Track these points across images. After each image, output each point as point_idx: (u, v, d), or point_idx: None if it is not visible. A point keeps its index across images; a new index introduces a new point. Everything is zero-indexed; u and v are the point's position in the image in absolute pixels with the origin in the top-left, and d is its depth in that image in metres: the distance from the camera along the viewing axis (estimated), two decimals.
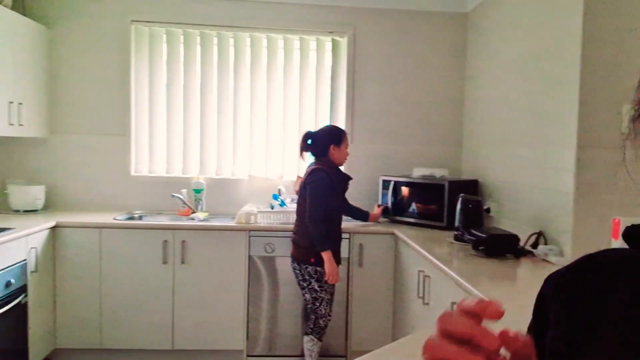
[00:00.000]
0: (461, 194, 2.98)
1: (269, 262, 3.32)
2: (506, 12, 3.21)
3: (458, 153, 3.96)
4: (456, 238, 2.90)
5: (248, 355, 3.35)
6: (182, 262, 3.26)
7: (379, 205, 3.65)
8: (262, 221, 3.36)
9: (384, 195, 3.66)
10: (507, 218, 3.07)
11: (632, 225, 0.54)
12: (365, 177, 3.90)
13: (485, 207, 3.20)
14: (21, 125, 3.29)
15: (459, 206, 2.92)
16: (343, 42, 3.88)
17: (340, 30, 3.85)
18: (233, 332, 3.32)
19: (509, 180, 3.09)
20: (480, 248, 2.55)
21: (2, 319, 2.61)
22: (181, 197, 3.66)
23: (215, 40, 3.81)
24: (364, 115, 3.91)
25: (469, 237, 2.66)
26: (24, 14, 3.46)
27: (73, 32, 3.71)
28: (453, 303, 2.17)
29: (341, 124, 3.84)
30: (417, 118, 3.94)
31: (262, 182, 3.76)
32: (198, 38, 3.80)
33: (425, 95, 3.94)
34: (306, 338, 3.03)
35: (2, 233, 2.70)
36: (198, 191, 3.72)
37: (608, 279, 0.52)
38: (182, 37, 3.79)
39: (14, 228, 2.86)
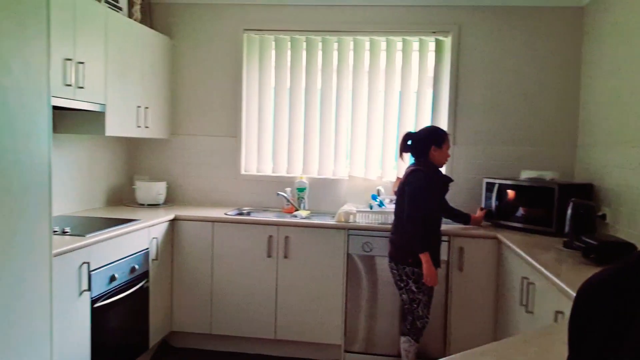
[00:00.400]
0: (572, 199, 2.80)
1: (367, 260, 3.36)
2: (628, 4, 2.96)
3: (571, 155, 3.72)
4: (565, 245, 2.73)
5: (346, 351, 3.42)
6: (285, 257, 3.42)
7: (481, 209, 3.54)
8: (361, 220, 3.41)
9: (488, 198, 3.54)
10: (625, 226, 2.83)
11: None
12: (467, 179, 3.80)
13: (599, 214, 2.99)
14: (147, 127, 3.66)
15: (569, 211, 2.75)
16: (447, 41, 3.82)
17: (444, 30, 3.80)
18: (332, 326, 3.41)
19: (627, 184, 2.84)
20: (591, 256, 2.38)
21: (127, 300, 2.93)
22: (285, 195, 3.84)
23: (320, 45, 3.94)
24: (467, 116, 3.81)
25: (579, 244, 2.50)
26: (151, 27, 3.84)
27: (192, 42, 4.04)
28: (558, 312, 2.06)
29: (443, 124, 3.78)
30: (526, 118, 3.76)
31: (361, 182, 3.82)
32: (304, 44, 3.95)
33: (535, 94, 3.75)
34: (403, 338, 3.03)
35: (130, 224, 3.03)
36: (301, 190, 3.87)
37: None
38: (289, 44, 3.97)
39: (139, 219, 3.19)
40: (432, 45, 3.86)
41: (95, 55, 2.99)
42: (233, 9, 3.98)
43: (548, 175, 3.36)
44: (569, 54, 3.69)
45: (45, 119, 2.12)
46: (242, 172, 4.06)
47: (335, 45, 3.93)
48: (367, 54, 3.91)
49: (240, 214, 3.78)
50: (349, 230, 3.36)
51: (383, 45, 3.89)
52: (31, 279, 2.07)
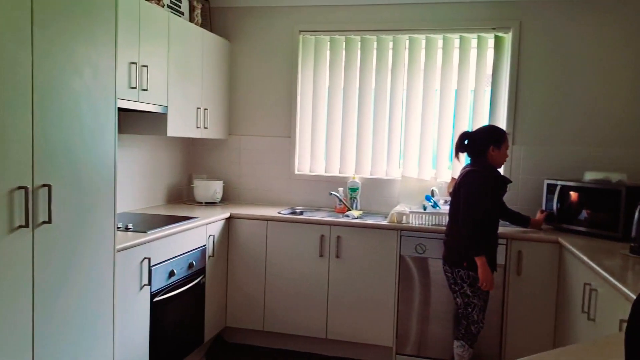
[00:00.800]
0: None
1: (420, 262, 3.32)
2: None
3: None
4: (632, 250, 2.59)
5: (397, 353, 3.39)
6: (337, 257, 3.43)
7: (542, 211, 3.41)
8: (414, 221, 3.37)
9: (549, 200, 3.41)
10: None
11: None
12: (527, 181, 3.67)
13: None
14: (205, 128, 3.78)
15: (636, 215, 2.60)
16: (507, 38, 3.70)
17: (504, 25, 3.68)
18: (383, 328, 3.39)
19: None
20: None
21: (185, 295, 3.04)
22: (338, 195, 3.85)
23: (374, 44, 3.92)
24: (528, 114, 3.68)
25: None
26: (211, 30, 3.96)
27: (249, 44, 4.13)
28: (622, 321, 1.96)
29: (502, 123, 3.67)
30: (591, 117, 3.59)
31: (415, 182, 3.78)
32: (359, 43, 3.95)
33: (601, 92, 3.57)
34: (457, 343, 2.97)
35: (188, 221, 3.13)
36: (353, 190, 3.87)
37: None
38: (344, 44, 3.98)
39: (197, 217, 3.30)
40: (491, 42, 3.75)
41: (158, 59, 3.12)
42: (289, 11, 4.03)
43: (615, 176, 3.19)
44: None
45: (111, 120, 2.23)
46: (296, 171, 4.10)
47: (390, 44, 3.90)
48: (422, 52, 3.86)
49: (293, 213, 3.83)
50: (401, 231, 3.33)
51: (440, 43, 3.83)
52: (96, 273, 2.19)
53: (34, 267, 1.85)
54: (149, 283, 2.67)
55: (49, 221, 1.90)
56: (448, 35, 3.78)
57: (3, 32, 1.69)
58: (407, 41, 3.87)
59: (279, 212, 3.69)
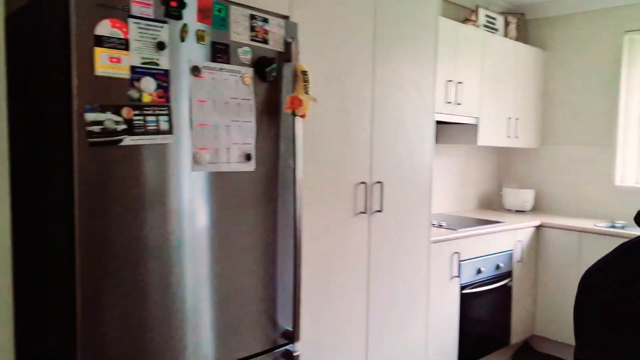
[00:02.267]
0: None
1: None
2: None
3: None
4: None
5: None
6: None
7: None
8: None
9: None
10: None
11: None
12: None
13: None
14: (516, 137, 3.88)
15: None
16: None
17: None
18: None
19: None
20: None
21: (491, 293, 3.22)
22: None
23: None
24: None
25: None
26: (526, 42, 4.04)
27: (566, 51, 4.03)
28: None
29: None
30: None
31: None
32: None
33: None
34: None
35: (495, 225, 3.31)
36: None
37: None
38: None
39: (504, 222, 3.44)
40: None
41: (471, 75, 3.41)
42: (612, 12, 3.77)
43: None
44: None
45: (430, 131, 2.63)
46: (617, 182, 3.77)
47: None
48: None
49: (613, 227, 3.54)
50: None
51: None
52: (414, 258, 2.61)
53: (369, 244, 2.38)
54: (458, 275, 2.97)
55: (381, 210, 2.40)
56: None
57: (355, 65, 2.26)
58: None
59: (595, 225, 3.48)
